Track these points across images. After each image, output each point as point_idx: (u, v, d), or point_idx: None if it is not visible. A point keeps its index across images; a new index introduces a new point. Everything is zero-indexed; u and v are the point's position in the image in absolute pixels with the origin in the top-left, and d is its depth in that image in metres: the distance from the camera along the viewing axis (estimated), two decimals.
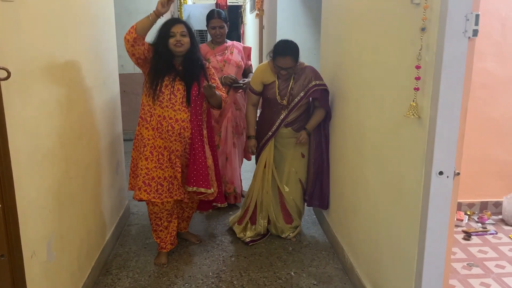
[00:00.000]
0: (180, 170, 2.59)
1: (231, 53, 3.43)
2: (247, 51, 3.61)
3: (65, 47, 2.09)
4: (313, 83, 2.80)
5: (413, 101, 1.66)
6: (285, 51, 2.71)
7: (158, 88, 2.48)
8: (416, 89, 1.64)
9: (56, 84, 1.98)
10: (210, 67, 2.78)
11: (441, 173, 1.57)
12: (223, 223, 3.36)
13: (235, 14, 13.21)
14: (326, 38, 3.16)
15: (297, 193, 3.07)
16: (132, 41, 2.37)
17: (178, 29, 2.47)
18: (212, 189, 2.63)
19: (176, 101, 2.51)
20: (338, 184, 2.86)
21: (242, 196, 3.70)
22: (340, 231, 2.82)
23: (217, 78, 2.76)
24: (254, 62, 8.67)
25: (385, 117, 1.99)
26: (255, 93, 2.97)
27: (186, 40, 2.50)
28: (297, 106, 2.86)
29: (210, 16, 3.41)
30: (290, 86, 2.83)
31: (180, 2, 7.39)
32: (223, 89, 2.79)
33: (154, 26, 2.41)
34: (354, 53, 2.47)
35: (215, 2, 8.22)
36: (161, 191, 2.55)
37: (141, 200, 2.55)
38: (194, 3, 11.73)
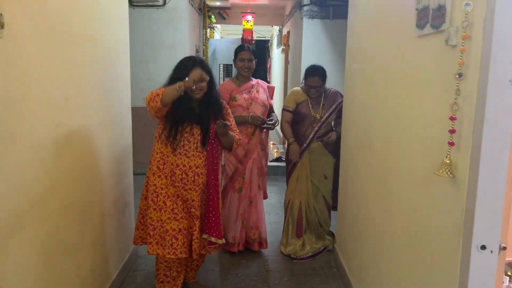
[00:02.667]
0: (197, 221, 2.41)
1: (257, 91, 3.29)
2: (271, 91, 3.46)
3: (65, 84, 1.96)
4: (340, 99, 3.30)
5: (447, 157, 1.41)
6: (313, 72, 3.24)
7: (179, 136, 2.34)
8: (451, 143, 1.40)
9: (52, 125, 1.84)
10: (227, 106, 2.66)
11: (483, 247, 1.30)
12: (234, 272, 3.10)
13: (262, 48, 13.30)
14: (350, 78, 2.96)
15: (322, 206, 3.42)
16: (156, 109, 2.24)
17: (196, 74, 2.27)
18: (223, 240, 2.47)
19: (190, 147, 2.36)
20: (360, 236, 2.58)
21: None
22: None
23: (232, 119, 2.62)
24: (279, 97, 8.57)
25: (415, 171, 1.74)
26: (290, 111, 3.38)
27: (204, 84, 2.36)
28: (328, 119, 3.29)
29: (240, 48, 3.29)
30: (321, 102, 3.30)
31: (206, 37, 7.41)
32: (237, 130, 2.64)
33: (167, 62, 2.28)
34: (379, 96, 2.25)
35: (241, 37, 8.21)
36: (176, 245, 2.35)
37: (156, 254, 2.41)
38: (222, 37, 11.87)
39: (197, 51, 6.65)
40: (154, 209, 2.36)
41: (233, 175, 3.29)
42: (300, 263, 3.26)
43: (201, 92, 2.36)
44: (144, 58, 5.55)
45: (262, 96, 3.30)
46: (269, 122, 3.29)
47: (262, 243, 3.41)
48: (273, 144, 7.97)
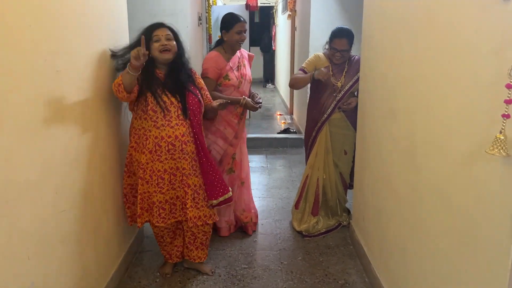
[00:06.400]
0: (188, 189, 2.38)
1: (244, 66, 3.02)
2: (251, 60, 3.15)
3: (55, 55, 1.73)
4: None
5: (500, 132, 1.20)
6: (341, 33, 2.95)
7: (156, 102, 2.28)
8: (506, 116, 1.18)
9: (42, 102, 1.63)
10: (197, 74, 2.58)
11: None
12: (245, 252, 2.95)
13: (267, 15, 12.83)
14: (369, 42, 2.70)
15: (339, 183, 3.24)
16: (126, 98, 2.23)
17: (162, 32, 2.26)
18: (230, 193, 2.54)
19: (171, 117, 2.30)
20: (380, 214, 2.41)
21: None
22: (385, 275, 2.36)
23: (205, 87, 2.60)
24: (286, 66, 8.25)
25: (451, 148, 1.53)
26: (305, 72, 3.08)
27: (173, 44, 2.29)
28: (352, 88, 3.01)
29: (237, 19, 2.91)
30: (345, 70, 3.03)
31: (209, 3, 7.05)
32: (210, 97, 2.64)
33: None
34: (406, 61, 2.01)
35: (245, 3, 7.84)
36: (163, 214, 2.41)
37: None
38: (224, 4, 11.43)
39: (199, 19, 6.33)
40: (142, 184, 2.34)
41: (223, 159, 3.04)
42: (314, 241, 3.11)
43: (171, 53, 2.29)
44: (144, 27, 5.26)
45: (249, 71, 3.06)
46: (259, 102, 3.03)
47: (253, 226, 3.25)
48: (280, 114, 7.74)
